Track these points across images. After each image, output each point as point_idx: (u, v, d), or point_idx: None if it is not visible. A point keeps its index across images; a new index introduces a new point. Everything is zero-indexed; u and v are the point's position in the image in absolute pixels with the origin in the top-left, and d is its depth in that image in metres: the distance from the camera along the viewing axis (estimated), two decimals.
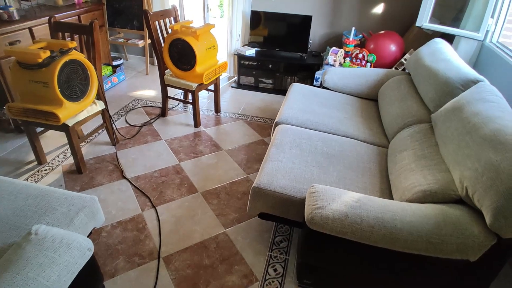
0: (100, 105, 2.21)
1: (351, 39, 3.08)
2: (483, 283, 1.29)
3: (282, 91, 3.54)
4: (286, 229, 1.84)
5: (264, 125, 2.87)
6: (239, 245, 1.71)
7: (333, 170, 1.71)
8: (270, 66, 3.47)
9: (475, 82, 1.74)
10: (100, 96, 2.25)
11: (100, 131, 2.64)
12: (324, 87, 2.68)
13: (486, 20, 2.37)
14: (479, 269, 1.22)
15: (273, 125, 2.17)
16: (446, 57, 2.08)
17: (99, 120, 2.69)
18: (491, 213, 1.12)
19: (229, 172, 2.25)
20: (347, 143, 1.95)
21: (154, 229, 1.77)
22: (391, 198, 1.59)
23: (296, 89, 2.55)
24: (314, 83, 3.13)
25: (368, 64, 3.03)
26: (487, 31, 2.40)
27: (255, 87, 3.62)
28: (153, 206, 1.92)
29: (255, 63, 3.50)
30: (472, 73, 1.80)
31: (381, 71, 2.61)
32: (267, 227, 1.83)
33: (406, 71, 2.64)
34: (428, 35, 3.03)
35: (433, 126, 1.75)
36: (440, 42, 2.33)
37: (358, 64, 3.08)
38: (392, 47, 2.98)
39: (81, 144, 2.45)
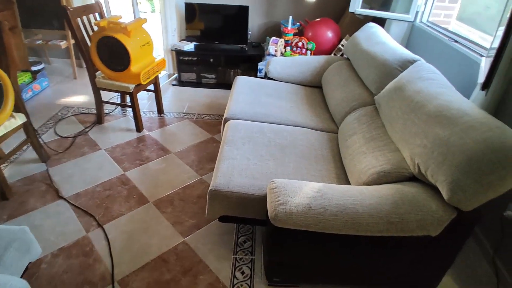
0: (20, 119, 1.92)
1: (289, 28, 3.08)
2: (448, 256, 1.36)
3: (226, 85, 3.44)
4: (248, 228, 1.78)
5: (212, 122, 2.76)
6: (201, 252, 1.61)
7: (289, 161, 1.68)
8: (211, 60, 3.34)
9: (411, 62, 1.82)
10: (20, 107, 1.95)
11: (25, 147, 2.32)
12: (268, 78, 2.64)
13: (415, 2, 2.50)
14: (443, 243, 1.27)
15: (223, 121, 2.08)
16: (381, 40, 2.16)
17: (22, 136, 2.36)
18: (447, 187, 1.16)
19: (180, 176, 2.11)
20: (298, 132, 1.94)
21: (103, 251, 1.59)
22: (348, 183, 1.61)
23: (241, 82, 2.47)
24: (258, 74, 3.09)
25: (308, 52, 3.07)
26: (417, 12, 2.55)
27: (197, 83, 3.47)
28: (100, 225, 1.72)
29: (195, 58, 3.35)
30: (408, 53, 1.88)
31: (322, 58, 2.64)
32: (228, 229, 1.75)
33: (345, 56, 2.71)
34: (361, 21, 3.14)
35: (377, 107, 1.80)
36: (374, 26, 2.41)
37: (298, 53, 3.09)
38: (329, 34, 3.04)
39: (2, 166, 2.12)
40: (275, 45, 3.06)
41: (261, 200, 1.44)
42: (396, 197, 1.24)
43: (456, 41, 2.13)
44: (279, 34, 3.39)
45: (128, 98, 2.96)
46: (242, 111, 2.08)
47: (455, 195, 1.14)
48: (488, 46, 1.86)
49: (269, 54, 3.09)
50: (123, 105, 2.62)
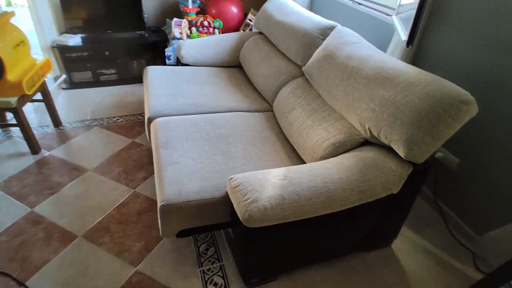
0: None
1: (190, 6, 2.82)
2: (406, 207, 1.44)
3: (132, 79, 3.04)
4: (205, 234, 1.61)
5: (128, 124, 2.40)
6: (162, 277, 1.39)
7: (236, 151, 1.55)
8: (107, 53, 2.88)
9: (331, 28, 1.82)
10: None
11: None
12: (183, 64, 2.39)
13: None
14: (401, 197, 1.32)
15: (146, 121, 1.80)
16: (294, 10, 2.12)
17: None
18: (403, 145, 1.19)
19: (108, 195, 1.79)
20: (234, 118, 1.80)
21: None
22: (300, 160, 1.56)
23: (154, 73, 2.18)
24: (167, 62, 2.78)
25: (216, 30, 2.88)
26: None
27: (96, 82, 2.98)
28: (21, 284, 1.33)
29: (85, 54, 2.83)
30: (324, 20, 1.88)
31: (235, 35, 2.50)
32: (184, 242, 1.56)
33: (256, 30, 2.62)
34: None
35: (308, 78, 1.77)
36: None
37: (206, 33, 2.88)
38: (234, 9, 2.90)
39: None
40: (179, 27, 2.78)
41: (221, 202, 1.29)
42: (360, 165, 1.23)
43: (360, 4, 2.23)
44: (180, 15, 3.10)
45: (8, 115, 2.36)
46: (166, 106, 1.83)
47: (411, 150, 1.18)
48: (393, 5, 1.98)
49: (174, 38, 2.80)
50: (4, 125, 2.07)
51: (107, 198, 1.77)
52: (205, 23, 2.87)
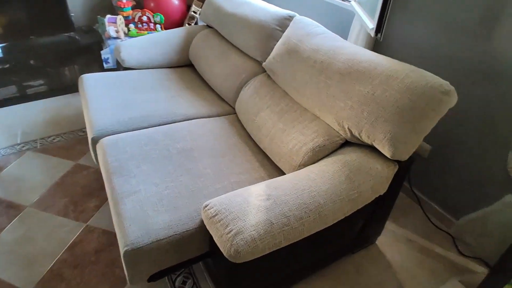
0: None
1: (124, 0, 2.50)
2: (390, 204, 1.38)
3: (66, 89, 2.65)
4: None
5: (68, 143, 2.08)
6: None
7: (204, 166, 1.37)
8: (32, 62, 2.47)
9: (289, 18, 1.68)
10: None
11: None
12: (125, 68, 2.11)
13: None
14: (386, 195, 1.25)
15: (90, 143, 1.54)
16: (245, 0, 1.94)
17: None
18: (388, 144, 1.10)
19: (55, 234, 1.51)
20: (195, 126, 1.61)
21: None
22: (277, 169, 1.43)
23: (91, 82, 1.88)
24: (105, 66, 2.46)
25: (158, 26, 2.60)
26: None
27: (23, 97, 2.55)
28: None
29: (6, 66, 2.39)
30: (281, 10, 1.73)
31: (181, 31, 2.26)
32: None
33: (202, 24, 2.40)
34: None
35: (271, 75, 1.63)
36: None
37: (146, 29, 2.59)
38: (175, 1, 2.63)
39: None
40: (113, 25, 2.46)
41: (198, 233, 1.11)
42: (346, 171, 1.13)
43: None
44: (113, 11, 2.75)
45: None
46: (113, 122, 1.57)
47: (397, 149, 1.10)
48: None
49: (110, 38, 2.47)
50: None
51: (55, 238, 1.49)
52: (144, 18, 2.57)
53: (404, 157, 1.13)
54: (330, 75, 1.29)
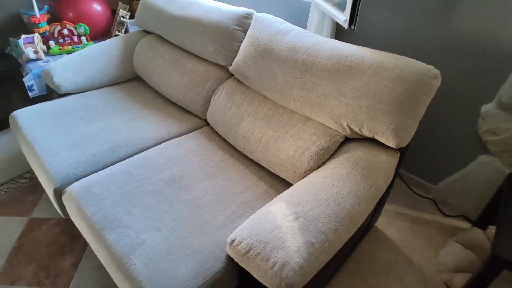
0: None
1: (38, 15, 2.11)
2: (388, 191, 1.43)
3: None
4: None
5: (12, 197, 1.71)
6: None
7: (201, 194, 1.24)
8: None
9: (247, 16, 1.58)
10: None
11: None
12: (60, 96, 1.79)
13: None
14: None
15: (52, 195, 1.28)
16: (190, 0, 1.77)
17: None
18: (392, 135, 1.12)
19: None
20: (171, 149, 1.45)
21: None
22: (276, 178, 1.36)
23: (27, 119, 1.56)
24: (30, 94, 2.05)
25: (83, 38, 2.26)
26: None
27: None
28: None
29: None
30: (236, 8, 1.62)
31: (117, 41, 1.99)
32: None
33: (137, 30, 2.16)
34: None
35: (242, 79, 1.53)
36: None
37: (69, 44, 2.23)
38: (97, 7, 2.30)
39: None
40: (31, 45, 2.06)
41: (227, 272, 1.01)
42: (359, 170, 1.12)
43: None
44: (27, 29, 2.30)
45: None
46: (73, 164, 1.33)
47: (401, 138, 1.13)
48: None
49: (29, 61, 2.07)
50: None
51: None
52: (65, 31, 2.21)
53: (404, 143, 1.16)
54: (316, 73, 1.25)
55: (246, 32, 1.59)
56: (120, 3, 2.37)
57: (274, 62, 1.37)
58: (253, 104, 1.45)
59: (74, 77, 1.77)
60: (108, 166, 1.38)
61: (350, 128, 1.20)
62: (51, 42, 2.17)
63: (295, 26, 1.45)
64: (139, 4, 2.01)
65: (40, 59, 2.10)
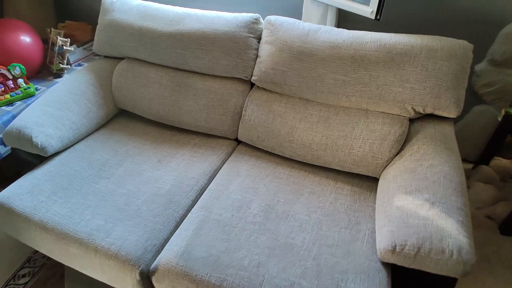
0: None
1: None
2: None
3: None
4: None
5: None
6: None
7: (303, 215, 1.17)
8: None
9: (255, 21, 1.50)
10: None
11: None
12: (46, 158, 1.40)
13: None
14: None
15: (138, 278, 1.02)
16: (180, 12, 1.57)
17: None
18: (454, 107, 1.25)
19: None
20: (233, 180, 1.31)
21: None
22: (354, 176, 1.37)
23: (30, 201, 1.17)
24: None
25: (21, 80, 1.76)
26: None
27: None
28: None
29: None
30: (241, 15, 1.51)
31: (85, 75, 1.63)
32: None
33: (94, 58, 1.81)
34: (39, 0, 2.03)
35: (271, 87, 1.46)
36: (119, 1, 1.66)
37: (5, 92, 1.71)
38: (26, 39, 1.81)
39: None
40: None
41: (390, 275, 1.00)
42: (441, 145, 1.22)
43: None
44: None
45: None
46: (143, 235, 1.08)
47: (460, 108, 1.28)
48: None
49: None
50: None
51: None
52: None
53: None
54: (370, 66, 1.29)
55: (258, 39, 1.51)
56: (52, 29, 1.91)
57: (316, 63, 1.35)
58: (298, 110, 1.41)
59: (57, 132, 1.39)
60: (180, 223, 1.17)
61: (414, 110, 1.29)
62: None
63: (317, 24, 1.44)
64: (100, 27, 1.67)
65: None
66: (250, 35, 1.48)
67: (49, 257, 1.45)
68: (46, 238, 1.12)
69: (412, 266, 0.95)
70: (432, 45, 1.25)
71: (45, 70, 1.97)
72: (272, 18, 1.47)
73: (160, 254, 1.05)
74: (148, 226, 1.11)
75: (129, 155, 1.42)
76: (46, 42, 1.95)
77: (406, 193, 1.08)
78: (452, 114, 1.27)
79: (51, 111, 1.42)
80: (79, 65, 2.04)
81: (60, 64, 1.90)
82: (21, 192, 1.22)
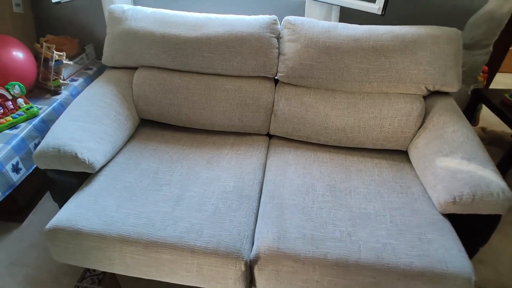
0: None
1: None
2: None
3: None
4: None
5: None
6: None
7: (363, 189, 1.32)
8: None
9: (274, 22, 1.61)
10: None
11: None
12: (88, 176, 1.32)
13: None
14: None
15: (243, 269, 1.06)
16: (200, 17, 1.62)
17: None
18: (456, 81, 1.51)
19: None
20: (288, 170, 1.40)
21: None
22: (383, 152, 1.56)
23: (96, 221, 1.12)
24: (16, 179, 1.34)
25: (20, 100, 1.60)
26: None
27: None
28: None
29: None
30: (261, 17, 1.61)
31: (105, 87, 1.56)
32: None
33: (91, 70, 1.73)
34: (24, 15, 1.86)
35: (297, 82, 1.58)
36: (139, 9, 1.63)
37: (5, 114, 1.55)
38: (18, 55, 1.65)
39: None
40: None
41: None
42: (455, 115, 1.47)
43: None
44: None
45: None
46: (232, 227, 1.12)
47: (460, 82, 1.54)
48: None
49: None
50: None
51: None
52: None
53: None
54: (389, 54, 1.48)
55: (277, 38, 1.62)
56: (44, 44, 1.77)
57: (342, 55, 1.51)
58: (327, 99, 1.56)
59: (98, 146, 1.33)
60: (257, 214, 1.22)
61: (426, 88, 1.53)
62: None
63: (331, 22, 1.61)
64: (111, 37, 1.61)
65: None
66: (272, 35, 1.58)
67: (99, 282, 1.37)
68: (129, 252, 1.09)
69: (469, 212, 1.15)
70: (434, 33, 1.49)
71: (36, 88, 1.82)
72: (291, 18, 1.60)
73: (255, 243, 1.11)
74: (233, 220, 1.15)
75: (176, 161, 1.42)
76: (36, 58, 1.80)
77: (444, 155, 1.29)
78: (455, 88, 1.53)
79: (84, 126, 1.36)
80: (72, 80, 1.92)
81: (60, 80, 1.78)
82: (82, 212, 1.15)
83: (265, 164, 1.48)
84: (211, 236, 1.09)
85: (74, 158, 1.23)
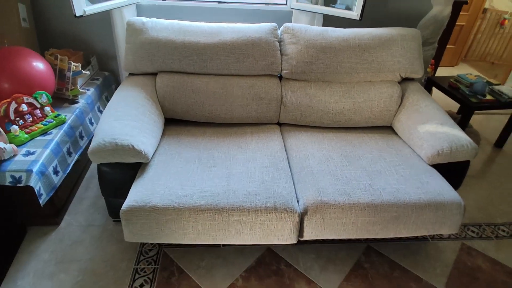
0: None
1: None
2: None
3: None
4: None
5: None
6: None
7: (369, 155, 1.65)
8: None
9: (275, 28, 1.92)
10: None
11: None
12: (140, 166, 1.47)
13: None
14: None
15: (298, 219, 1.31)
16: (211, 28, 1.84)
17: None
18: (421, 68, 1.95)
19: None
20: (308, 148, 1.69)
21: None
22: (372, 128, 1.92)
23: (170, 198, 1.30)
24: (41, 201, 1.41)
25: (47, 109, 1.68)
26: None
27: None
28: None
29: None
30: (265, 24, 1.91)
31: (135, 91, 1.72)
32: None
33: (97, 80, 1.87)
34: (29, 29, 1.92)
35: (299, 77, 1.90)
36: (142, 21, 1.83)
37: (34, 122, 1.62)
38: (39, 65, 1.72)
39: None
40: None
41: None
42: (424, 94, 1.90)
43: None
44: None
45: None
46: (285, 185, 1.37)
47: (423, 69, 1.99)
48: None
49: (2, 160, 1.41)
50: None
51: None
52: (24, 107, 1.59)
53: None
54: (372, 50, 1.87)
55: (279, 42, 1.92)
56: (59, 56, 1.87)
57: (336, 53, 1.86)
58: (325, 89, 1.89)
59: (147, 139, 1.50)
60: (293, 180, 1.49)
61: (400, 76, 1.94)
62: (13, 128, 1.54)
63: (322, 27, 1.96)
64: (133, 46, 1.77)
65: (15, 154, 1.50)
66: (275, 39, 1.89)
67: (156, 262, 1.51)
68: (202, 219, 1.28)
69: (449, 161, 1.55)
70: (402, 32, 1.92)
71: (57, 96, 1.90)
72: (289, 25, 1.92)
73: (300, 200, 1.37)
74: (279, 186, 1.40)
75: (211, 149, 1.63)
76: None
77: (423, 123, 1.69)
78: (420, 75, 1.97)
79: (130, 123, 1.51)
80: (83, 89, 2.02)
81: (79, 89, 1.88)
82: (152, 193, 1.32)
83: (284, 145, 1.76)
84: (267, 198, 1.33)
85: (132, 150, 1.39)
